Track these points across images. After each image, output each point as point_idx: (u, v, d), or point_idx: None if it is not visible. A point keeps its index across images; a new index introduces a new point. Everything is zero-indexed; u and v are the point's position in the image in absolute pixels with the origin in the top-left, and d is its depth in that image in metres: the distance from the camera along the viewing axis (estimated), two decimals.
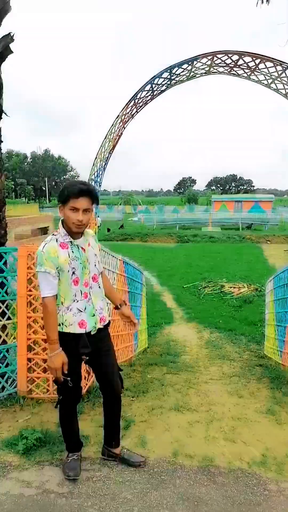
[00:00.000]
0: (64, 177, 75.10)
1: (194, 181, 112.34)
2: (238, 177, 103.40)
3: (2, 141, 4.17)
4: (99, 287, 2.44)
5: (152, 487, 2.38)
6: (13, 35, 4.05)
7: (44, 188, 64.01)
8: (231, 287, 11.75)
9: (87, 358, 2.39)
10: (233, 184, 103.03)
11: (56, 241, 2.28)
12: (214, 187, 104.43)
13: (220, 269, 14.71)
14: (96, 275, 2.42)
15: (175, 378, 4.56)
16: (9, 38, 4.02)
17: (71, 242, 2.30)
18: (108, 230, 26.82)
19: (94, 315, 2.37)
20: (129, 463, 2.57)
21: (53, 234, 2.33)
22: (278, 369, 4.92)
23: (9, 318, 3.60)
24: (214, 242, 23.11)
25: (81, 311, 2.34)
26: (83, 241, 2.36)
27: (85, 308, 2.34)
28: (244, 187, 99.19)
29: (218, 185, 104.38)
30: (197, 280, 12.68)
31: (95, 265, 2.40)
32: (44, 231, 17.28)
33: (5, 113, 4.14)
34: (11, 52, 3.99)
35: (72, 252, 2.29)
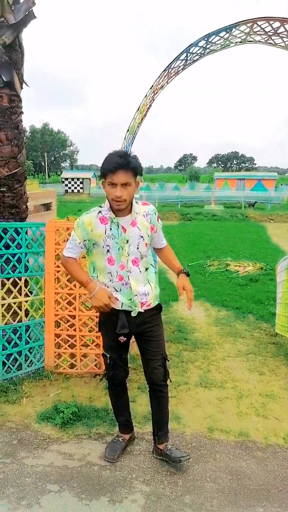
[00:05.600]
0: (63, 152, 73.81)
1: (195, 158, 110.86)
2: (240, 154, 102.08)
3: (23, 112, 4.03)
4: (140, 271, 2.24)
5: (193, 461, 2.42)
6: None
7: (43, 164, 63.01)
8: (236, 266, 11.75)
9: (125, 339, 2.29)
10: (234, 161, 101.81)
11: (100, 213, 2.17)
12: (215, 165, 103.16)
13: (224, 248, 14.67)
14: (138, 259, 2.21)
15: (193, 355, 4.60)
16: (31, 1, 3.82)
17: (112, 218, 2.15)
18: None
19: (131, 299, 2.23)
20: (170, 459, 2.38)
21: (100, 206, 2.22)
22: None
23: (26, 295, 3.55)
24: (217, 221, 23.00)
25: (117, 291, 2.24)
26: (126, 220, 2.17)
27: (120, 290, 2.23)
28: (246, 164, 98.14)
29: (220, 163, 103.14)
30: (201, 258, 12.66)
31: (137, 247, 2.19)
32: (47, 207, 17.06)
33: (25, 83, 3.98)
34: (34, 17, 3.79)
35: (110, 229, 2.15)
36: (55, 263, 3.44)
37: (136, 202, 2.23)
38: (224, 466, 2.40)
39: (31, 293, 3.57)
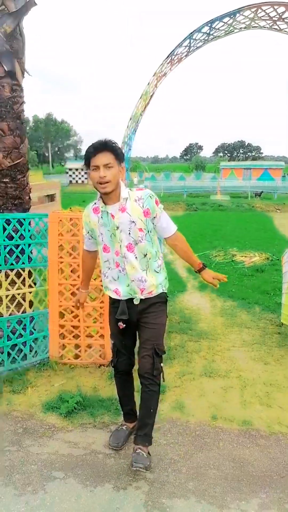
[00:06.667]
0: (67, 142, 73.56)
1: (201, 147, 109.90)
2: (246, 144, 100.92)
3: (24, 102, 4.00)
4: (136, 257, 2.21)
5: (196, 449, 2.44)
6: None
7: (47, 154, 62.84)
8: (242, 256, 11.70)
9: (124, 325, 2.29)
10: (241, 150, 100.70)
11: (94, 204, 2.27)
12: (221, 154, 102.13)
13: (230, 238, 14.55)
14: (132, 244, 2.18)
15: (198, 345, 4.60)
16: None
17: (102, 207, 2.20)
18: None
19: (129, 285, 2.24)
20: (131, 461, 2.21)
21: (97, 199, 2.28)
22: None
23: (30, 286, 3.58)
24: (223, 211, 22.84)
25: (115, 280, 2.28)
26: (115, 207, 2.16)
27: (118, 277, 2.27)
28: (252, 153, 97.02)
29: (226, 152, 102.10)
30: (207, 249, 12.60)
31: (129, 233, 2.16)
32: (51, 198, 17.07)
33: (27, 72, 3.95)
34: (35, 4, 3.74)
35: (102, 217, 2.22)
36: (58, 254, 3.45)
37: (130, 189, 2.22)
38: (227, 453, 2.42)
39: (35, 284, 3.59)
